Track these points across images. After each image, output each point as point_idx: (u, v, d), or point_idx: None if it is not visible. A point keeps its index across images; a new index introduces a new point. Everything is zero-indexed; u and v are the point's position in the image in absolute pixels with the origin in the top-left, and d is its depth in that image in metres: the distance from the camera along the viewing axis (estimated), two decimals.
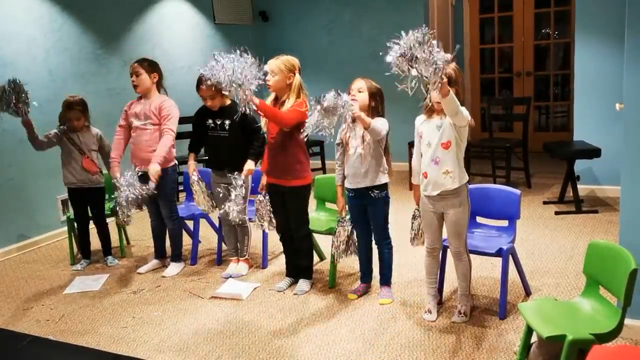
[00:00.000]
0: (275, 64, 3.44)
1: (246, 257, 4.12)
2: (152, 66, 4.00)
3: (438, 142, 2.96)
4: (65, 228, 4.72)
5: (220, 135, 3.86)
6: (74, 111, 4.16)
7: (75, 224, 4.43)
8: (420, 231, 3.29)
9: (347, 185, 3.43)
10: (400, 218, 4.26)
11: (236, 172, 3.71)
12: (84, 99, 4.24)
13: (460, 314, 3.19)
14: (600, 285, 2.59)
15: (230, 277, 3.98)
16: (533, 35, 7.61)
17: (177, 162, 4.16)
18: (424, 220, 3.18)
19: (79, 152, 4.19)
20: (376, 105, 3.29)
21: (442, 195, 3.03)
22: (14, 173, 4.82)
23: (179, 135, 4.94)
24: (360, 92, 3.25)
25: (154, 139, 3.94)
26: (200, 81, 3.76)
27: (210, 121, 3.88)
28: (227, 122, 3.82)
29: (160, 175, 3.82)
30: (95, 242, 4.50)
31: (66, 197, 4.32)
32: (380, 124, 3.19)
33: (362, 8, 7.17)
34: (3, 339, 2.73)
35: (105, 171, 4.35)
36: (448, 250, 3.24)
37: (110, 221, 4.52)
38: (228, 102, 3.87)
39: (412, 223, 3.33)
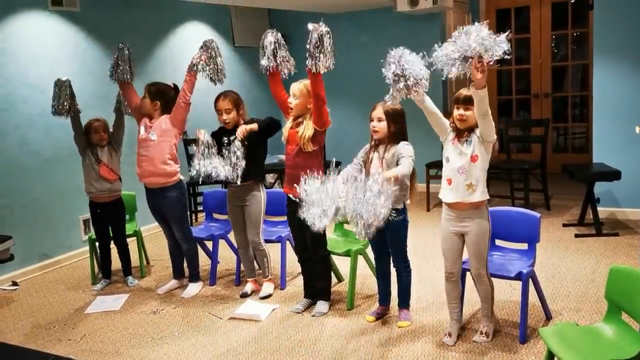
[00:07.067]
0: (298, 87, 3.48)
1: (269, 277, 4.12)
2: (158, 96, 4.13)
3: (469, 154, 2.99)
4: (87, 247, 4.78)
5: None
6: (97, 124, 4.37)
7: (97, 243, 4.50)
8: None
9: None
10: (418, 242, 4.25)
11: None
12: (105, 121, 4.42)
13: (482, 334, 3.17)
14: (623, 310, 2.56)
15: (251, 296, 3.99)
16: (550, 57, 7.61)
17: (182, 179, 4.14)
18: (444, 243, 3.16)
19: (96, 161, 4.30)
20: (397, 129, 3.28)
21: (461, 210, 3.03)
22: (39, 193, 4.91)
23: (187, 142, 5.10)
24: (380, 121, 3.28)
25: (160, 151, 3.97)
26: (218, 96, 3.94)
27: (225, 139, 3.89)
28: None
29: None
30: (116, 262, 4.56)
31: (88, 217, 4.39)
32: (407, 167, 3.15)
33: (379, 31, 7.23)
34: (25, 358, 2.77)
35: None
36: (467, 273, 3.23)
37: (131, 241, 4.57)
38: (242, 121, 3.91)
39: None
